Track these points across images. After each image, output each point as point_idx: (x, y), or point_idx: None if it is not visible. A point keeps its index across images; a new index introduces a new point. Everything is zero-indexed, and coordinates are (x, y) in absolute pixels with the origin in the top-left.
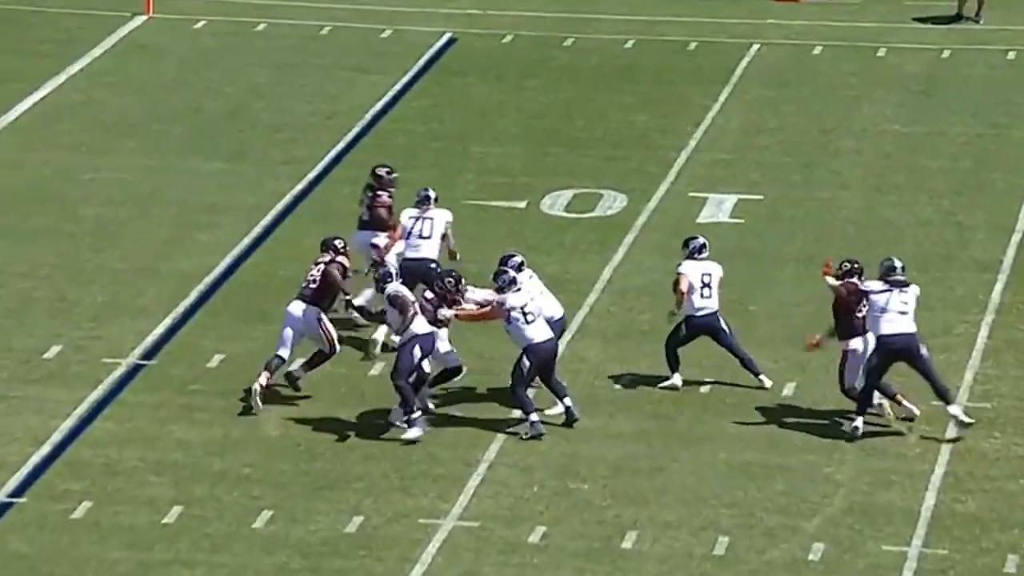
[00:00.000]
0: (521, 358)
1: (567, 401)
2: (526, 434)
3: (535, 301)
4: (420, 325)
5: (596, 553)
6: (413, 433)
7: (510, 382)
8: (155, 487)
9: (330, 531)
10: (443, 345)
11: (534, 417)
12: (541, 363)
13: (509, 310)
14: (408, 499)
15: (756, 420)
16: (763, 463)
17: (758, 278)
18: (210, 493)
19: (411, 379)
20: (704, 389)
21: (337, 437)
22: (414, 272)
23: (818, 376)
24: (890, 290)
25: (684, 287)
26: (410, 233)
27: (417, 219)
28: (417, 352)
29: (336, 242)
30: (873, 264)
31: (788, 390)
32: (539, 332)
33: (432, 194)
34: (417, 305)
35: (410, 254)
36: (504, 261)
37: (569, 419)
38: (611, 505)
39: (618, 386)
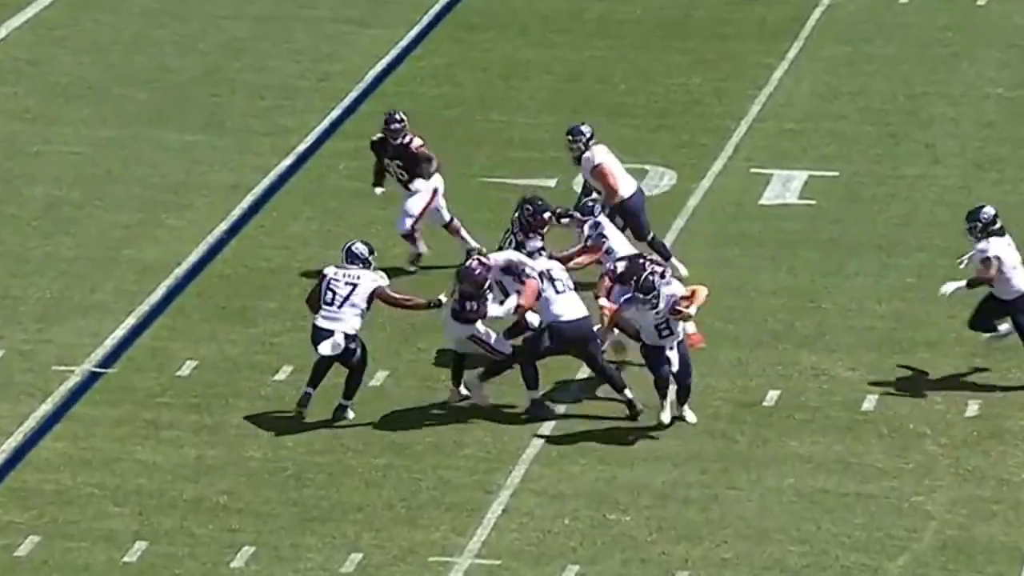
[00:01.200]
0: (542, 334)
1: (628, 393)
2: (525, 415)
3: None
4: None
5: None
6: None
7: (522, 348)
8: (115, 519)
9: (323, 571)
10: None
11: (536, 395)
12: (567, 346)
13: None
14: (416, 533)
15: (830, 439)
16: (838, 491)
17: (832, 270)
18: (180, 526)
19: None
20: (767, 402)
21: (331, 459)
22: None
23: (904, 387)
24: None
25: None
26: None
27: None
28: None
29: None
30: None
31: (868, 403)
32: (568, 308)
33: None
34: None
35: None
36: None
37: (633, 413)
38: (657, 540)
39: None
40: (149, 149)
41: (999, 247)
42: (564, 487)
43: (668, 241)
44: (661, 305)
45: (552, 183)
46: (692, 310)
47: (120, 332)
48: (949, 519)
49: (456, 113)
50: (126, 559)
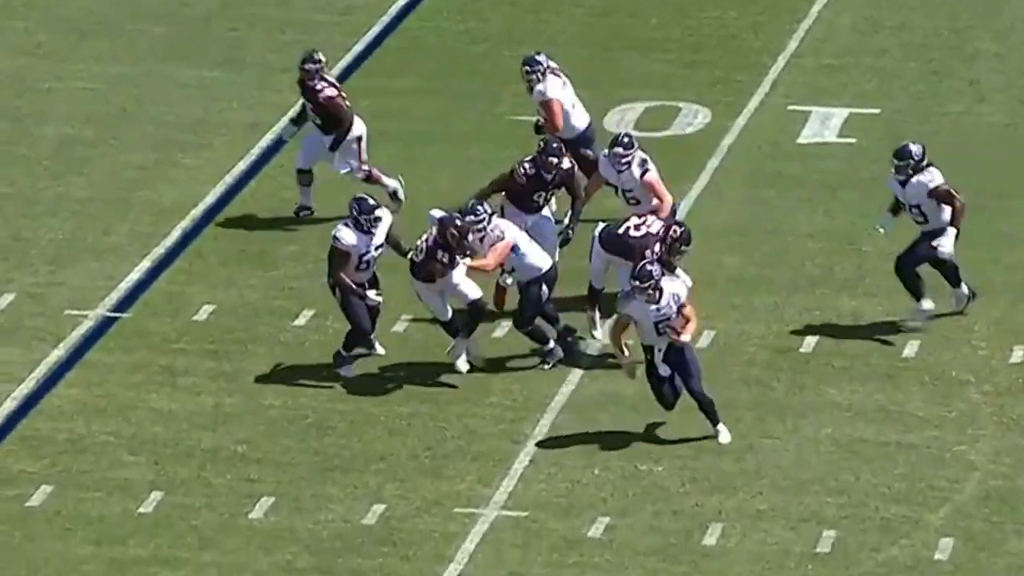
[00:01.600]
0: (534, 287)
1: (560, 326)
2: (549, 365)
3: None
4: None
5: (672, 550)
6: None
7: (522, 315)
8: (130, 468)
9: (344, 523)
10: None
11: (550, 344)
12: (549, 291)
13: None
14: (440, 483)
15: (869, 387)
16: (878, 440)
17: (872, 211)
18: (197, 476)
19: None
20: (805, 349)
21: (353, 407)
22: None
23: (947, 333)
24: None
25: None
26: None
27: None
28: None
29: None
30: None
31: (909, 350)
32: (545, 257)
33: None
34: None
35: None
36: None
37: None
38: (690, 492)
39: (699, 345)
40: (165, 86)
41: (940, 175)
42: (593, 437)
43: (701, 183)
44: (663, 301)
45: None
46: (686, 338)
47: (135, 275)
48: (992, 469)
49: (483, 49)
50: (142, 510)
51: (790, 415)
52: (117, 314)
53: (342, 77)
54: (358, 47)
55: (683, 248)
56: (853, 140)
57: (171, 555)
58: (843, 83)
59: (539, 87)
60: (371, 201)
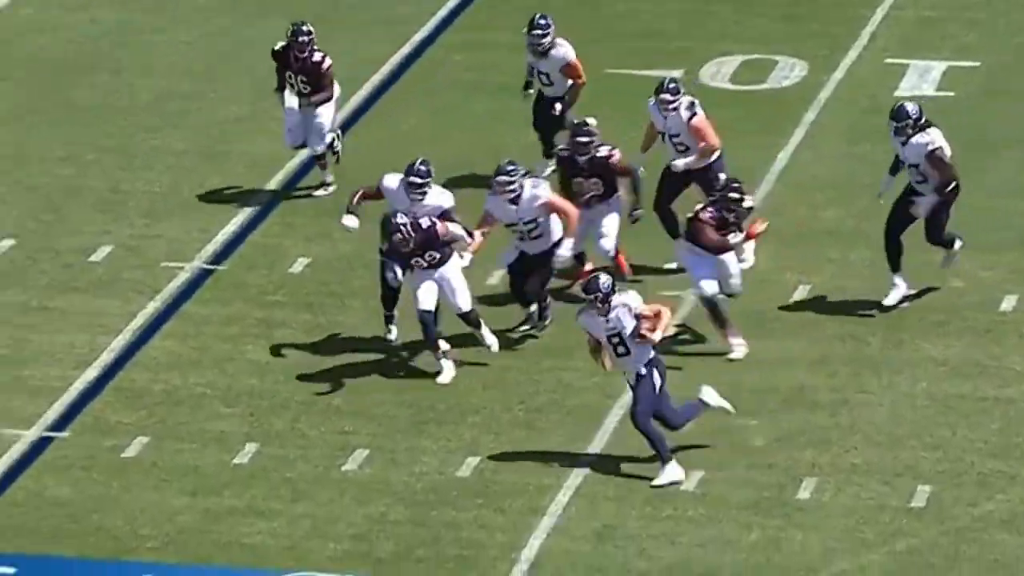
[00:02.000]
0: (548, 268)
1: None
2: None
3: None
4: None
5: (766, 504)
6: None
7: (539, 287)
8: (225, 420)
9: (438, 475)
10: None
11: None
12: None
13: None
14: (535, 436)
15: (965, 342)
16: (974, 395)
17: (972, 165)
18: (292, 428)
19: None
20: (901, 303)
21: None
22: None
23: None
24: None
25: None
26: None
27: None
28: None
29: None
30: None
31: (1007, 303)
32: (558, 227)
33: None
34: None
35: None
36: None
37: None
38: (784, 446)
39: (794, 299)
40: (260, 39)
41: (940, 136)
42: (687, 391)
43: (798, 136)
44: (612, 314)
45: (678, 74)
46: (656, 336)
47: (231, 228)
48: None
49: (577, 2)
50: (237, 461)
51: (885, 370)
52: (213, 266)
53: (436, 32)
54: (451, 2)
55: (735, 196)
56: (952, 93)
57: (265, 506)
58: (942, 36)
59: (558, 52)
60: (422, 167)
